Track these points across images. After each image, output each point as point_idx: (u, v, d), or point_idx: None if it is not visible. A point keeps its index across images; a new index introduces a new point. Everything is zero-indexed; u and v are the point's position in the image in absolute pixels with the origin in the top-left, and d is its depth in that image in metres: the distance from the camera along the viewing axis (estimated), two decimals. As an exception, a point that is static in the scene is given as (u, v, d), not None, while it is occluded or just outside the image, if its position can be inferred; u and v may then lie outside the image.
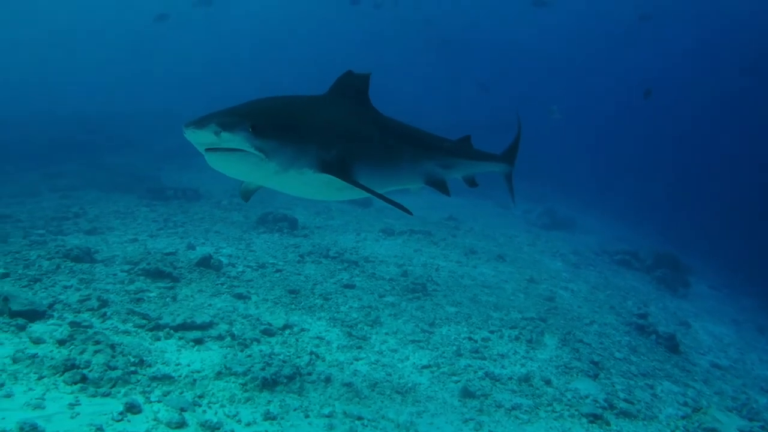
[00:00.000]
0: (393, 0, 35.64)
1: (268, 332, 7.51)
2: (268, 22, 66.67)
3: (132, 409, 5.15)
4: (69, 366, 5.58)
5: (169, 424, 5.04)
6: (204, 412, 5.43)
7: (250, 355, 6.72)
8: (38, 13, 62.17)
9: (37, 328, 6.47)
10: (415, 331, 8.48)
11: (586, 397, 7.38)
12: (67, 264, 8.85)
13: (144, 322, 7.08)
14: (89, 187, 16.61)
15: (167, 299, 8.01)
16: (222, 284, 9.05)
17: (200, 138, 4.19)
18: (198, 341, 6.84)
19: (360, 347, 7.67)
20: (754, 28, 43.06)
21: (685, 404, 7.91)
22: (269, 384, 6.11)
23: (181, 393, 5.64)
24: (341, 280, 10.27)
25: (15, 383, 5.25)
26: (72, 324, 6.65)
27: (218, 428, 5.21)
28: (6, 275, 8.02)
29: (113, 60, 55.38)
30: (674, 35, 50.68)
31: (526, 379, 7.54)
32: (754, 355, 11.65)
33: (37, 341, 6.11)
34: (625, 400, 7.51)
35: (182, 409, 5.31)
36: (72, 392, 5.26)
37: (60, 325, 6.59)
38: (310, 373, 6.62)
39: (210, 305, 8.07)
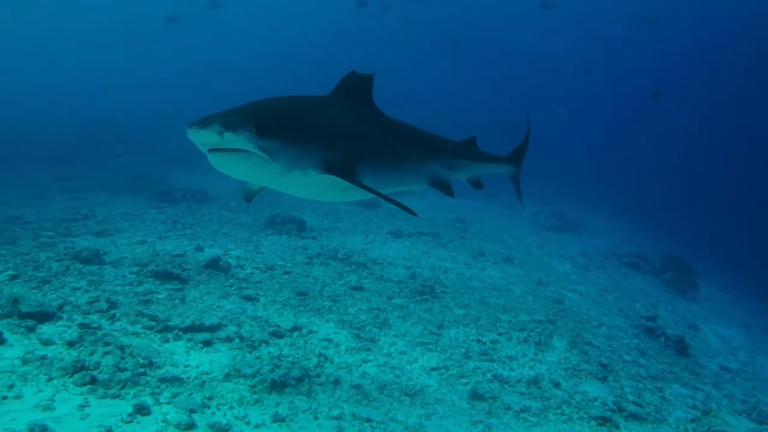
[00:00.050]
0: (400, 2, 35.59)
1: (277, 334, 7.51)
2: (275, 24, 66.86)
3: (141, 410, 5.15)
4: (78, 367, 5.59)
5: (178, 426, 5.05)
6: (213, 413, 5.43)
7: (258, 357, 6.73)
8: (46, 15, 62.45)
9: (46, 329, 6.49)
10: (424, 334, 8.48)
11: (595, 399, 7.36)
12: (76, 266, 8.88)
13: (153, 323, 7.09)
14: (98, 189, 16.66)
15: (176, 301, 8.02)
16: (230, 286, 9.06)
17: (203, 138, 4.15)
18: (207, 343, 6.85)
19: (368, 349, 7.67)
20: (758, 28, 42.93)
21: (695, 407, 7.88)
22: (278, 386, 6.11)
23: (190, 395, 5.65)
24: (350, 282, 10.27)
25: (25, 384, 5.27)
26: (81, 326, 6.67)
27: (227, 430, 5.21)
28: (15, 277, 8.05)
29: (123, 63, 55.57)
30: (681, 36, 50.53)
31: (534, 381, 7.52)
32: (764, 358, 11.59)
33: (47, 343, 6.13)
34: (634, 403, 7.49)
35: (191, 411, 5.31)
36: (81, 394, 5.27)
37: (69, 327, 6.61)
38: (318, 375, 6.62)
39: (218, 307, 8.09)
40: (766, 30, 42.06)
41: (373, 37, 59.23)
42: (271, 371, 6.30)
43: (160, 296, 8.13)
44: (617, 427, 6.81)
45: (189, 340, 6.87)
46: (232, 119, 4.14)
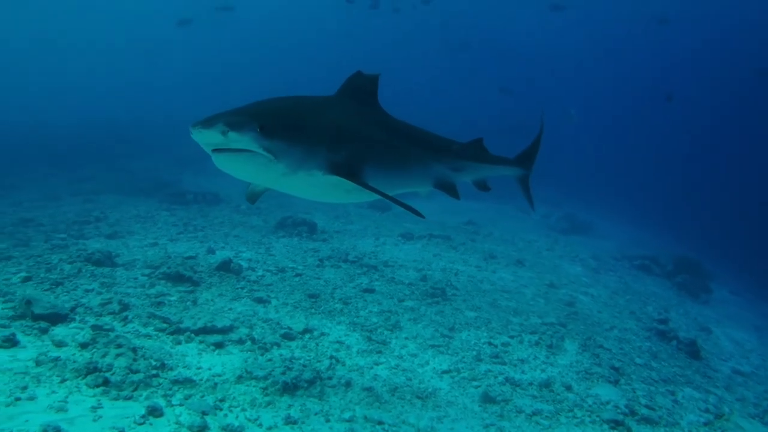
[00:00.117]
0: (411, 4, 35.61)
1: (288, 336, 7.52)
2: (286, 26, 66.98)
3: (154, 412, 5.17)
4: (91, 369, 5.61)
5: (191, 428, 5.05)
6: (225, 415, 5.44)
7: (270, 359, 6.73)
8: (54, 18, 62.75)
9: (59, 331, 6.51)
10: (435, 336, 8.47)
11: (607, 403, 7.33)
12: (89, 268, 8.92)
13: (165, 325, 7.11)
14: (110, 192, 16.73)
15: (188, 303, 8.04)
16: (242, 288, 9.08)
17: (207, 138, 4.09)
18: (219, 345, 6.86)
19: (380, 352, 7.66)
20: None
21: (707, 411, 7.83)
22: (290, 388, 6.11)
23: (203, 396, 5.66)
24: (361, 284, 10.27)
25: (38, 386, 5.29)
26: (94, 327, 6.70)
27: (239, 432, 5.23)
28: (28, 279, 8.09)
29: (134, 66, 55.81)
30: (691, 37, 50.35)
31: (546, 384, 7.50)
32: (776, 362, 11.54)
33: (60, 344, 6.16)
34: (647, 407, 7.45)
35: (204, 413, 5.32)
36: (94, 395, 5.29)
37: (82, 329, 6.64)
38: (330, 378, 6.63)
39: (230, 309, 8.10)
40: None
41: (384, 39, 59.33)
42: (283, 373, 6.31)
43: (172, 298, 8.15)
44: (630, 430, 6.78)
45: (201, 342, 6.88)
46: (237, 119, 4.09)
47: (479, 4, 54.49)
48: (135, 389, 5.50)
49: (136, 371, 5.77)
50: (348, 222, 15.61)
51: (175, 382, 5.82)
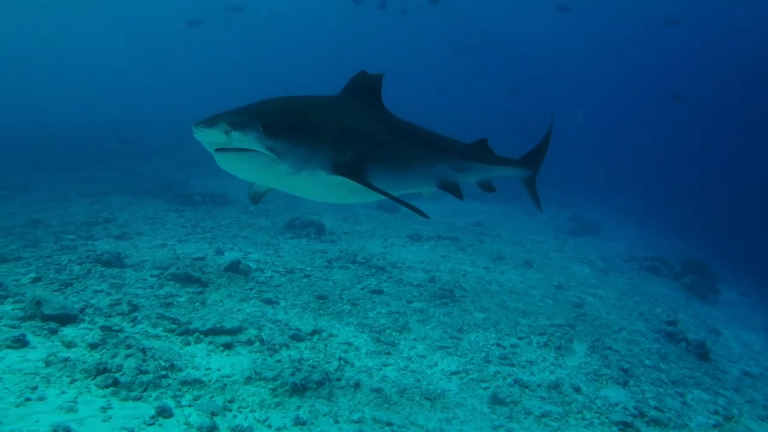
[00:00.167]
0: (419, 4, 35.63)
1: (297, 337, 7.52)
2: (292, 27, 67.06)
3: (163, 413, 5.17)
4: (101, 370, 5.62)
5: (200, 429, 5.06)
6: (234, 416, 5.44)
7: (279, 360, 6.73)
8: (56, 18, 63.01)
9: (68, 332, 6.53)
10: (444, 337, 8.46)
11: (616, 404, 7.31)
12: (98, 269, 8.95)
13: (174, 326, 7.12)
14: (118, 193, 16.78)
15: (196, 304, 8.06)
16: (250, 289, 9.09)
17: (210, 137, 4.06)
18: (227, 346, 6.86)
19: (388, 353, 7.66)
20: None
21: (716, 413, 7.80)
22: (299, 389, 6.11)
23: (212, 397, 5.67)
24: (369, 285, 10.27)
25: (48, 386, 5.30)
26: (103, 328, 6.71)
27: (249, 433, 5.23)
28: (38, 279, 8.12)
29: (142, 67, 55.98)
30: (698, 37, 50.19)
31: (555, 386, 7.48)
32: (786, 363, 11.49)
33: (69, 345, 6.17)
34: (656, 408, 7.42)
35: (213, 414, 5.33)
36: (104, 396, 5.29)
37: (91, 329, 6.65)
38: (339, 379, 6.62)
39: (239, 310, 8.11)
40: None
41: (391, 40, 59.36)
42: (292, 374, 6.31)
43: (181, 299, 8.16)
44: (639, 432, 6.77)
45: (210, 343, 6.89)
46: (240, 118, 4.06)
47: (485, 5, 54.50)
48: (144, 390, 5.51)
49: (146, 372, 5.78)
50: (356, 223, 15.62)
51: (185, 382, 5.82)
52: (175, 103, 39.02)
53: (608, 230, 22.20)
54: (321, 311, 8.65)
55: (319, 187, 4.74)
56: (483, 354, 8.12)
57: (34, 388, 5.21)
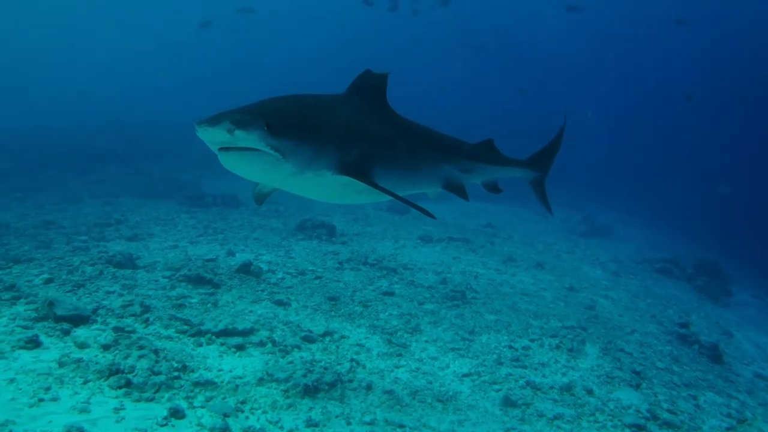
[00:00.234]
0: (429, 5, 35.64)
1: (309, 339, 7.51)
2: (302, 28, 67.17)
3: (176, 414, 5.18)
4: (114, 371, 5.64)
5: (212, 430, 5.06)
6: (247, 418, 5.44)
7: (291, 362, 6.73)
8: (66, 19, 63.31)
9: (81, 332, 6.55)
10: (455, 339, 8.44)
11: (629, 407, 7.27)
12: (110, 270, 8.97)
13: (186, 327, 7.13)
14: (130, 194, 16.84)
15: (208, 305, 8.07)
16: (262, 291, 9.09)
17: (213, 136, 4.00)
18: (239, 347, 6.87)
19: (400, 355, 7.64)
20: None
21: (729, 416, 7.75)
22: (311, 391, 6.11)
23: (224, 399, 5.67)
24: (380, 287, 10.26)
25: (61, 387, 5.32)
26: (116, 329, 6.73)
27: (261, 434, 5.23)
28: (50, 280, 8.16)
29: (151, 70, 56.13)
30: (709, 36, 50.00)
31: (567, 388, 7.45)
32: (800, 366, 11.41)
33: (82, 346, 6.19)
34: (668, 411, 7.38)
35: (225, 415, 5.33)
36: (117, 397, 5.31)
37: (104, 330, 6.67)
38: (351, 380, 6.62)
39: (251, 311, 8.11)
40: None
41: (402, 41, 59.37)
42: (304, 376, 6.30)
43: (193, 300, 8.17)
44: (652, 435, 6.73)
45: (222, 344, 6.89)
46: (243, 117, 3.99)
47: (495, 6, 54.46)
48: (157, 391, 5.52)
49: (158, 373, 5.79)
50: (367, 224, 15.61)
51: (197, 384, 5.83)
52: (184, 104, 39.09)
53: (619, 232, 22.13)
54: (332, 313, 8.65)
55: (324, 187, 4.68)
56: (495, 356, 8.09)
57: (48, 389, 5.23)
